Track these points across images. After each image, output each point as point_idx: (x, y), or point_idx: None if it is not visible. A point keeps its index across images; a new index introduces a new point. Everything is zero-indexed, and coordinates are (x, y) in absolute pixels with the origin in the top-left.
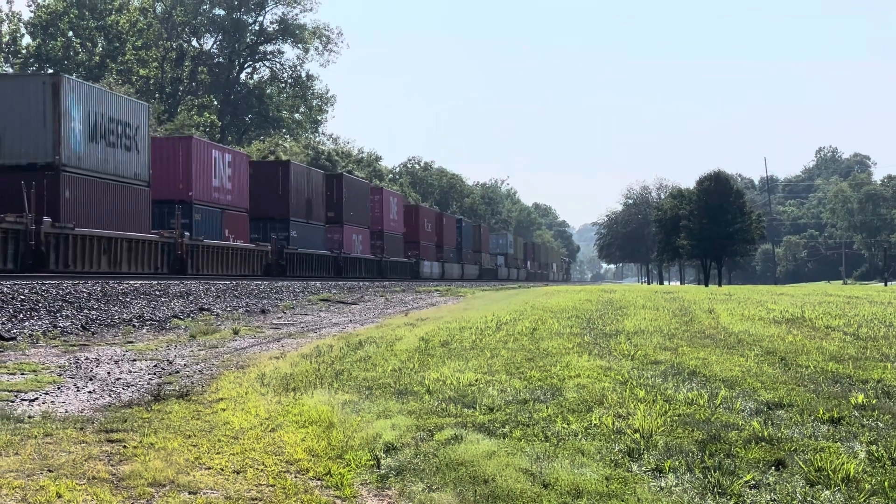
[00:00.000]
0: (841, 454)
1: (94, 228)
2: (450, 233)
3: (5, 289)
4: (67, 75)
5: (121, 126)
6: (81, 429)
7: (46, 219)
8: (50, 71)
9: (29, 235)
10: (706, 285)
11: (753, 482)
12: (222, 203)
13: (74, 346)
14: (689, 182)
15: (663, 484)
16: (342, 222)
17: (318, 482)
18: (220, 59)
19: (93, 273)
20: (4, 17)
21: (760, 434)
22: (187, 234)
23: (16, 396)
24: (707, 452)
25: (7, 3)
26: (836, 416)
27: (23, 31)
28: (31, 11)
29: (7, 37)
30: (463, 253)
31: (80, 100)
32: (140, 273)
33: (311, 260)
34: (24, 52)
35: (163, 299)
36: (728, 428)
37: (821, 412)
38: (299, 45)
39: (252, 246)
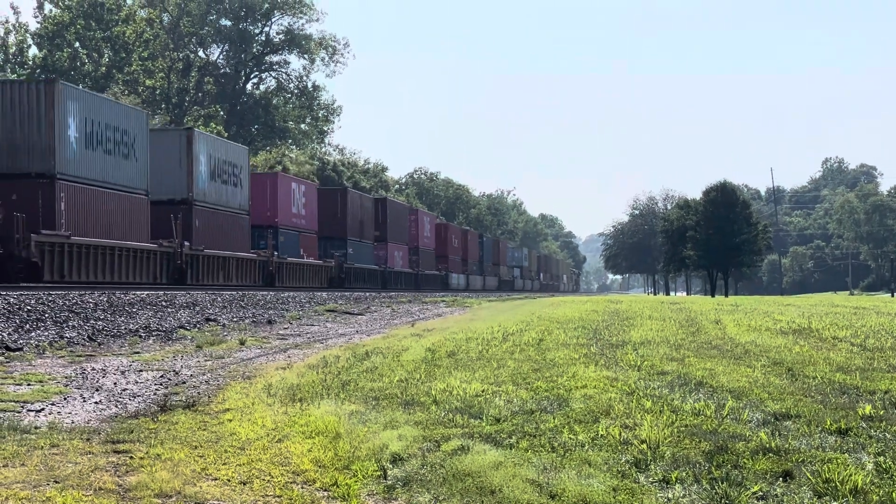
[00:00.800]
0: (849, 465)
1: (216, 250)
2: (473, 247)
3: (12, 299)
4: (198, 129)
5: (231, 166)
6: (88, 440)
7: (186, 243)
8: (186, 126)
9: (176, 256)
10: (713, 296)
11: (761, 493)
12: (299, 226)
13: (81, 356)
14: (695, 193)
15: (670, 495)
16: (387, 240)
17: (325, 493)
18: (227, 70)
19: (215, 285)
20: (11, 28)
21: (768, 445)
22: (276, 252)
23: (22, 407)
24: (714, 463)
25: (14, 13)
26: (843, 427)
27: (29, 41)
28: (38, 22)
29: (14, 47)
30: (484, 266)
31: (205, 147)
32: (244, 285)
33: (364, 273)
34: (30, 62)
35: (169, 310)
36: (735, 439)
37: (828, 423)
38: (305, 56)
39: (321, 262)
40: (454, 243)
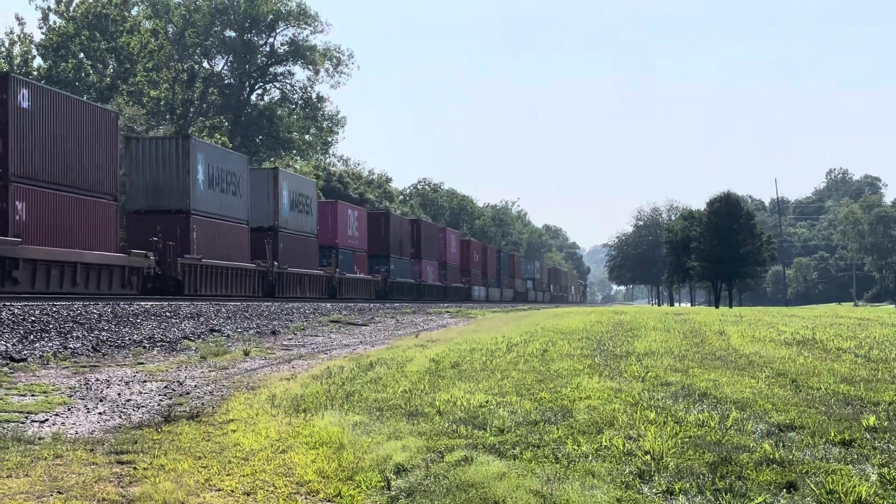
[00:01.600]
0: (853, 477)
1: (295, 268)
2: (492, 262)
3: (16, 310)
4: (281, 168)
5: (305, 198)
6: (92, 450)
7: (275, 262)
8: (271, 166)
9: (269, 274)
10: (717, 307)
11: None
12: (353, 246)
13: (85, 367)
14: (699, 204)
15: None
16: (421, 257)
17: (329, 503)
18: (231, 81)
19: (296, 297)
20: (16, 39)
21: (772, 456)
22: (338, 269)
23: (26, 418)
24: (718, 474)
25: (19, 24)
26: (847, 438)
27: (34, 52)
28: (43, 33)
29: (18, 58)
30: (501, 278)
31: (286, 184)
32: (316, 297)
33: (404, 286)
34: (35, 73)
35: (173, 321)
36: (739, 450)
37: (832, 434)
38: (310, 67)
39: (370, 277)
40: (475, 258)
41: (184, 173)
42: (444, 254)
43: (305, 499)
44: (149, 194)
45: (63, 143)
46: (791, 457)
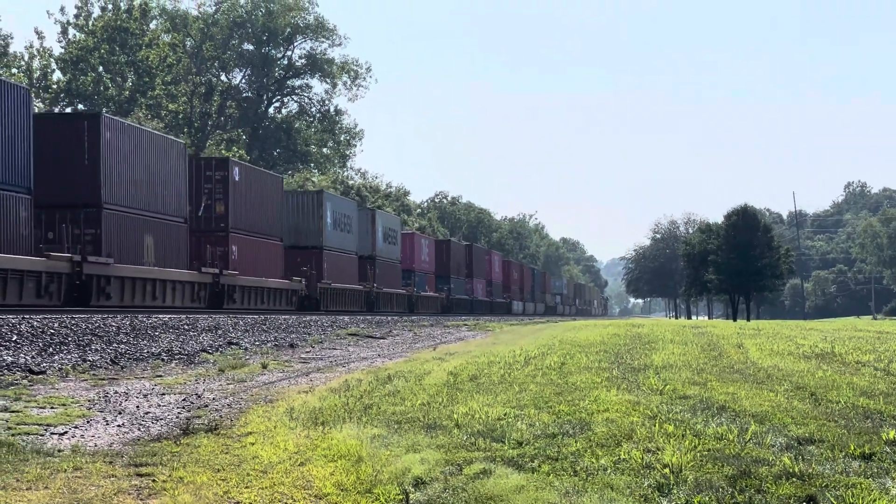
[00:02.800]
0: (872, 490)
1: (388, 288)
2: (527, 279)
3: (35, 322)
4: (380, 210)
5: (393, 231)
6: (111, 462)
7: (375, 284)
8: (369, 207)
9: (371, 293)
10: (734, 320)
11: None
12: (425, 269)
13: (103, 379)
14: (716, 217)
15: None
16: (472, 276)
17: None
18: (249, 94)
19: (389, 311)
20: (35, 53)
21: (791, 470)
22: (415, 289)
23: (45, 430)
24: (737, 488)
25: (38, 39)
26: (867, 451)
27: (53, 66)
28: (62, 47)
29: (38, 72)
30: (535, 294)
31: (381, 221)
32: (401, 311)
33: (461, 302)
34: (54, 87)
35: (191, 333)
36: (758, 463)
37: (852, 448)
38: (327, 80)
39: (437, 294)
40: (514, 276)
41: (318, 219)
42: (489, 273)
43: None
44: (293, 234)
45: (258, 202)
46: (811, 470)
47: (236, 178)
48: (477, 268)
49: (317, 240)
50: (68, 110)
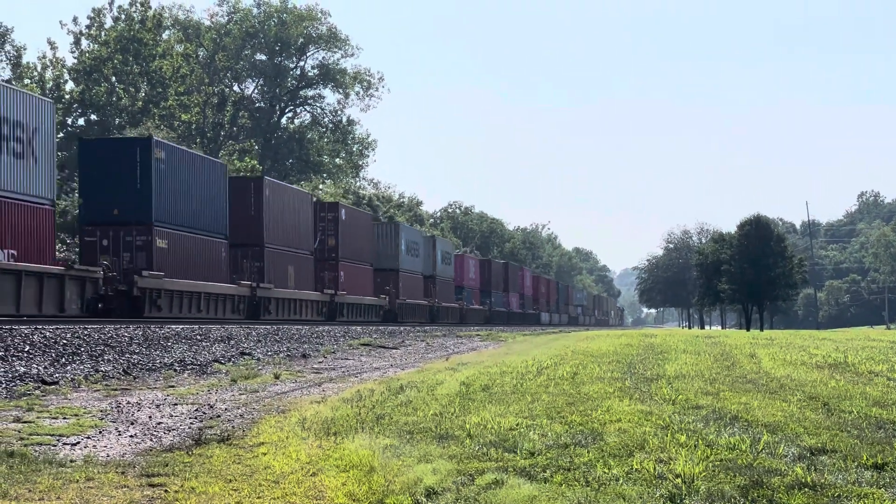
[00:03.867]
0: (885, 500)
1: (445, 302)
2: (553, 292)
3: (48, 333)
4: (437, 236)
5: (448, 255)
6: (123, 473)
7: (436, 299)
8: (429, 233)
9: (434, 307)
10: (748, 330)
11: None
12: (472, 286)
13: (116, 390)
14: (729, 226)
15: None
16: (508, 290)
17: None
18: (262, 104)
19: (447, 323)
20: (48, 64)
21: (804, 480)
22: (464, 302)
23: (58, 441)
24: (749, 498)
25: (51, 49)
26: (879, 462)
27: (66, 76)
28: (75, 57)
29: (51, 82)
30: (560, 305)
31: (440, 246)
32: (454, 322)
33: (500, 314)
34: (67, 97)
35: (204, 344)
36: (771, 473)
37: (864, 458)
38: (340, 90)
39: (481, 307)
40: (542, 290)
41: (395, 246)
42: (522, 287)
43: None
44: (376, 259)
45: (358, 236)
46: (823, 480)
47: (343, 218)
48: (512, 283)
49: (394, 263)
50: (81, 122)
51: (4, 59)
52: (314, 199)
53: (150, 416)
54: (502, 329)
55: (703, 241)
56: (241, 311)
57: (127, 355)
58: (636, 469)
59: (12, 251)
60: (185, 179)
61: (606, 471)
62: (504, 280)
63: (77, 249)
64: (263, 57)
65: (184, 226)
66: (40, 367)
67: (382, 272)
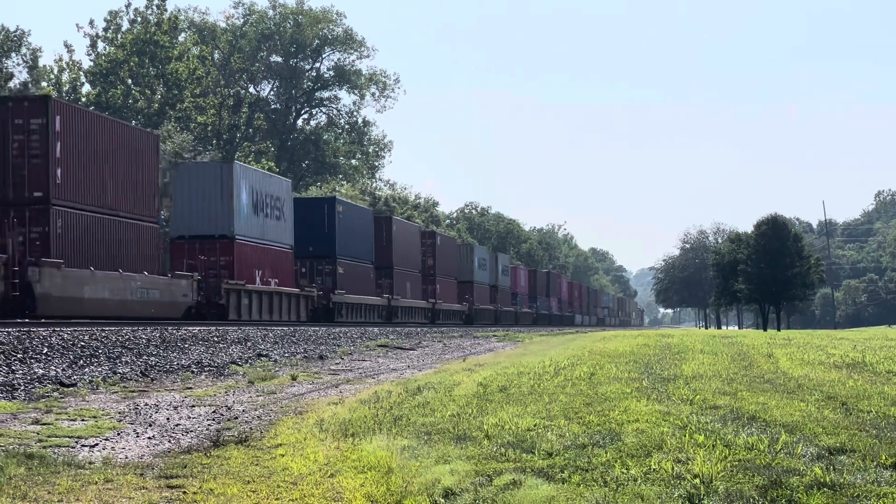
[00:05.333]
0: None
1: (505, 307)
2: (584, 296)
3: (66, 335)
4: (501, 252)
5: (506, 267)
6: (141, 474)
7: (498, 304)
8: (491, 251)
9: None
10: (765, 330)
11: None
12: (523, 292)
13: (134, 392)
14: (746, 226)
15: None
16: (549, 296)
17: None
18: (277, 106)
19: (509, 325)
20: (65, 66)
21: (822, 480)
22: (516, 306)
23: (76, 442)
24: (768, 498)
25: (67, 52)
26: None
27: (83, 79)
28: (91, 60)
29: (67, 85)
30: (589, 308)
31: (500, 259)
32: (510, 324)
33: (543, 316)
34: (83, 100)
35: (221, 345)
36: (789, 473)
37: (883, 458)
38: (355, 92)
39: (530, 311)
40: (576, 294)
41: (470, 262)
42: (559, 292)
43: None
44: (459, 274)
45: (449, 257)
46: (842, 480)
47: (438, 243)
48: (552, 289)
49: (470, 276)
50: None
51: (21, 62)
52: (420, 230)
53: (167, 418)
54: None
55: (720, 241)
56: (382, 315)
57: (144, 357)
58: (654, 469)
59: (276, 279)
60: (351, 224)
61: (624, 471)
62: (546, 287)
63: None
64: (279, 59)
65: (352, 257)
66: (59, 370)
67: (462, 283)
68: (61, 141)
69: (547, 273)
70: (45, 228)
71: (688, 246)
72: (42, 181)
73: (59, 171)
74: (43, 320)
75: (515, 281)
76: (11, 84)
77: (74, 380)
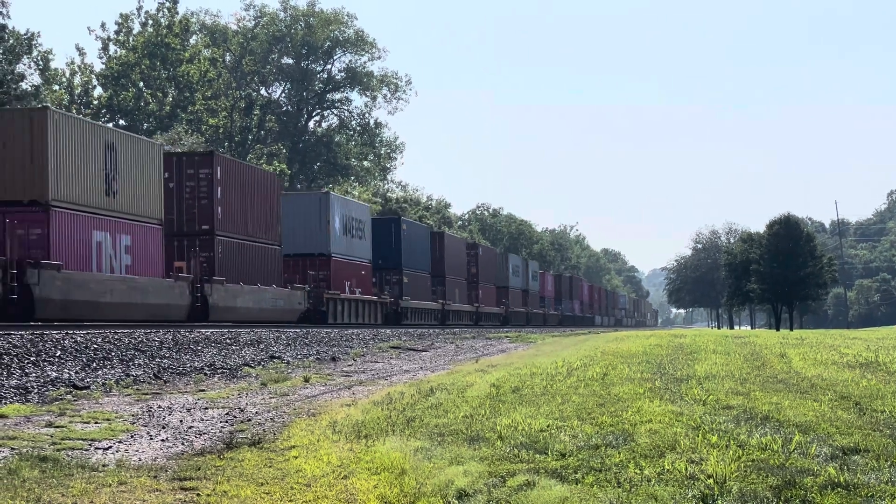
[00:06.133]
0: None
1: (535, 309)
2: (603, 298)
3: (78, 338)
4: (531, 259)
5: (536, 273)
6: (155, 477)
7: (529, 308)
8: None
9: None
10: (777, 329)
11: None
12: (549, 296)
13: (147, 394)
14: (758, 226)
15: None
16: (573, 298)
17: None
18: (289, 108)
19: (535, 325)
20: (77, 70)
21: (837, 480)
22: (545, 308)
23: (90, 445)
24: (782, 498)
25: (79, 55)
26: None
27: (94, 82)
28: (103, 63)
29: (79, 88)
30: (608, 309)
31: (531, 267)
32: (539, 325)
33: (567, 317)
34: (95, 103)
35: (233, 347)
36: (803, 473)
37: None
38: (367, 93)
39: (556, 312)
40: (596, 297)
41: (505, 269)
42: (581, 295)
43: None
44: (497, 279)
45: (490, 266)
46: (856, 480)
47: (480, 254)
48: (575, 292)
49: (505, 282)
50: (110, 125)
51: (33, 65)
52: (465, 241)
53: (181, 420)
54: (531, 331)
55: (732, 241)
56: (437, 318)
57: (157, 359)
58: (668, 470)
59: (360, 289)
60: (413, 239)
61: (638, 472)
62: (570, 290)
63: None
64: (290, 61)
65: (414, 268)
66: (72, 372)
67: (499, 289)
68: (221, 186)
69: (570, 277)
70: (210, 253)
71: (700, 246)
72: (208, 217)
73: (219, 209)
74: (209, 323)
75: (543, 285)
76: (23, 86)
77: (87, 382)
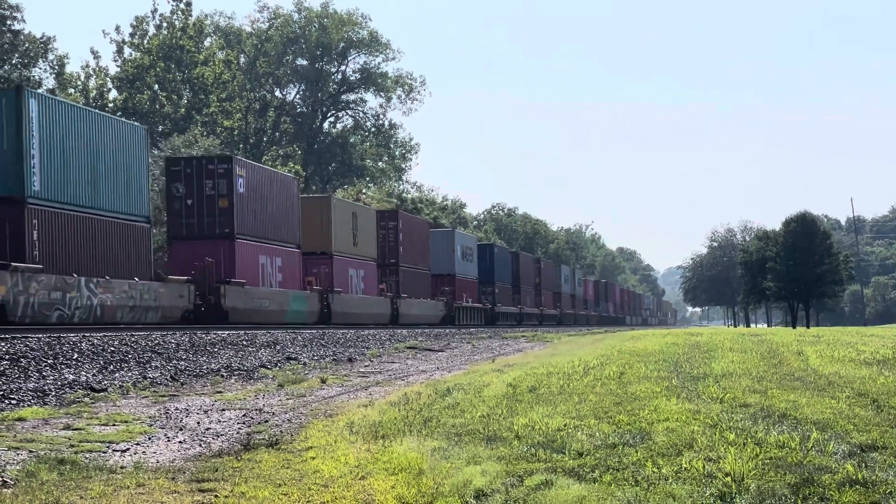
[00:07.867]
0: None
1: (580, 311)
2: (632, 299)
3: (96, 341)
4: (578, 267)
5: (581, 280)
6: (173, 478)
7: (575, 310)
8: (534, 256)
9: (575, 315)
10: (794, 327)
11: None
12: (590, 299)
13: (164, 396)
14: (774, 224)
15: None
16: (607, 301)
17: None
18: (303, 109)
19: (583, 325)
20: (92, 73)
21: (854, 477)
22: (587, 310)
23: (108, 447)
24: (800, 496)
25: (94, 58)
26: None
27: (109, 85)
28: (118, 66)
29: (94, 91)
30: (635, 309)
31: (577, 274)
32: (578, 324)
33: (603, 318)
34: (110, 105)
35: (250, 349)
36: (821, 471)
37: None
38: (382, 94)
39: (595, 313)
40: (626, 299)
41: (559, 277)
42: (614, 298)
43: None
44: (551, 286)
45: (529, 273)
46: (874, 477)
47: (542, 266)
48: (609, 295)
49: (558, 288)
50: None
51: (48, 68)
52: (532, 258)
53: (198, 422)
54: (547, 330)
55: (748, 238)
56: (517, 320)
57: (174, 362)
58: (685, 468)
59: (471, 298)
60: (501, 259)
61: (655, 470)
62: (605, 293)
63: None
64: (305, 62)
65: (503, 281)
66: (89, 375)
67: (555, 294)
68: (403, 234)
69: (606, 283)
70: (397, 279)
71: (716, 244)
72: (394, 252)
73: (401, 249)
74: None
75: (586, 290)
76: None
77: (105, 385)
